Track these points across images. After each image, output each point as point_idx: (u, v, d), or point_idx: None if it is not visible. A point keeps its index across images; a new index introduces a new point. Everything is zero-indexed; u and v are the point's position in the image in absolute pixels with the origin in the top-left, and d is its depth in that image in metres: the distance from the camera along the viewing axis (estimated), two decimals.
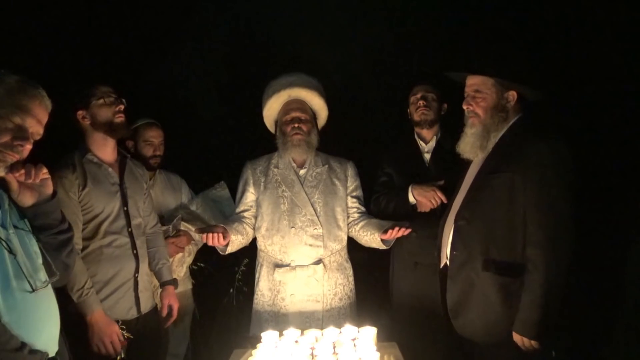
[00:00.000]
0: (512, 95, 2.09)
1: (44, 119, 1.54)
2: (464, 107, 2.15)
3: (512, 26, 3.44)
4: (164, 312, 2.49)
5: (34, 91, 1.51)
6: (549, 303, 1.91)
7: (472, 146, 2.13)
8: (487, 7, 3.51)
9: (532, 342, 1.94)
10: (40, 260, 1.53)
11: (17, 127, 1.47)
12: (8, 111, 1.44)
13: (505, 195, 2.01)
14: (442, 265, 2.25)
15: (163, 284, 2.53)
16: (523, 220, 1.99)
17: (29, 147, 1.50)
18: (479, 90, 2.10)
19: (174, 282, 2.58)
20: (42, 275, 1.51)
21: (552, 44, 3.35)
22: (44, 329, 1.48)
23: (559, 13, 3.36)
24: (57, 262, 1.57)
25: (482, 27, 3.49)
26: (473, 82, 2.12)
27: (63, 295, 2.11)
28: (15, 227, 1.48)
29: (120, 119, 2.28)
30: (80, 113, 2.26)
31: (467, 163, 2.26)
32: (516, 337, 1.98)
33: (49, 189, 1.58)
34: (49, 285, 1.53)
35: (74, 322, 2.14)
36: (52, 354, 1.49)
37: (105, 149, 2.33)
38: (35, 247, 1.52)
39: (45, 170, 1.56)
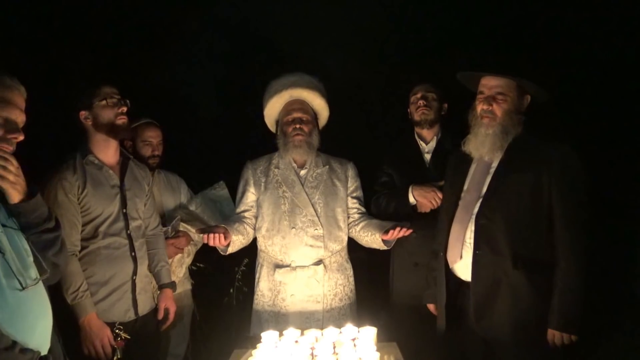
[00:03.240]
0: (527, 99, 2.16)
1: (23, 106, 1.55)
2: (483, 107, 2.15)
3: (526, 30, 3.45)
4: (160, 315, 2.49)
5: (10, 82, 1.51)
6: (583, 298, 1.98)
7: (491, 147, 2.14)
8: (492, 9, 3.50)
9: (572, 337, 1.98)
10: (31, 258, 1.51)
11: (5, 121, 1.48)
12: None
13: (530, 193, 2.06)
14: (451, 265, 2.23)
15: (161, 287, 2.53)
16: (548, 218, 2.05)
17: (21, 138, 1.51)
18: (502, 93, 2.12)
19: (172, 286, 2.57)
20: (33, 273, 1.50)
21: (559, 48, 3.36)
22: (36, 327, 1.46)
23: (573, 17, 3.36)
24: (45, 261, 1.56)
25: (498, 29, 3.49)
26: (496, 83, 2.13)
27: (60, 294, 2.11)
28: (3, 225, 1.47)
29: (122, 120, 2.26)
30: (82, 113, 2.24)
31: (464, 163, 2.26)
32: (554, 335, 2.00)
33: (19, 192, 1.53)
34: (41, 283, 1.52)
35: (72, 321, 2.14)
36: (44, 352, 1.47)
37: (106, 150, 2.32)
38: (25, 244, 1.51)
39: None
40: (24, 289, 1.42)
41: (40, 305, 1.51)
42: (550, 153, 2.06)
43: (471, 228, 2.14)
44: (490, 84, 2.14)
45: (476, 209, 2.14)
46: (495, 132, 2.12)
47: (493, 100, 2.12)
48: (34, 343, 1.43)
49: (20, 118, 1.52)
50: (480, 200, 2.15)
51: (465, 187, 2.24)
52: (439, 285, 2.30)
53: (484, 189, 2.16)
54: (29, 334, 1.42)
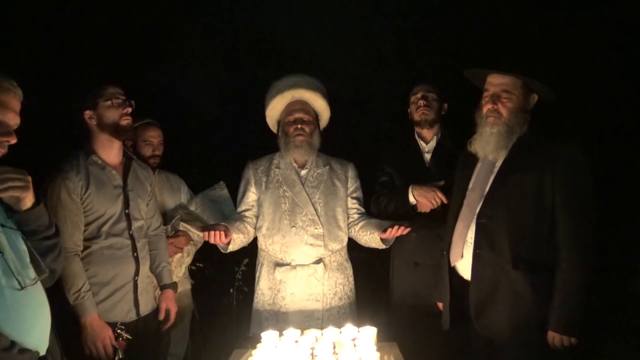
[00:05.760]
0: (534, 98, 2.13)
1: (19, 108, 1.54)
2: (488, 106, 2.14)
3: (533, 28, 3.44)
4: (161, 316, 2.49)
5: (8, 84, 1.50)
6: (586, 301, 1.96)
7: (495, 146, 2.13)
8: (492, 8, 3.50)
9: (572, 339, 1.96)
10: (28, 259, 1.51)
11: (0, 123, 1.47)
12: None
13: (532, 193, 2.04)
14: (453, 264, 2.24)
15: (162, 287, 2.52)
16: (550, 218, 2.02)
17: (13, 141, 1.50)
18: (507, 91, 2.10)
19: (174, 286, 2.57)
20: (31, 273, 1.50)
21: (563, 46, 3.35)
22: (34, 327, 1.46)
23: (575, 17, 3.35)
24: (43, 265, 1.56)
25: (503, 27, 3.49)
26: (502, 81, 2.11)
27: (60, 293, 2.11)
28: (2, 225, 1.47)
29: (126, 121, 2.26)
30: (87, 113, 2.23)
31: (471, 162, 2.26)
32: (554, 337, 1.98)
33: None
34: (39, 283, 1.52)
35: (73, 321, 2.14)
36: (43, 352, 1.47)
37: (110, 151, 2.31)
38: (23, 245, 1.51)
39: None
40: (22, 288, 1.42)
41: (39, 305, 1.51)
42: (554, 151, 2.03)
43: (473, 227, 2.14)
44: (495, 81, 2.13)
45: (478, 208, 2.14)
46: (500, 131, 2.11)
47: (498, 99, 2.11)
48: (32, 343, 1.43)
49: (14, 121, 1.51)
50: (483, 199, 2.15)
51: (470, 187, 2.24)
52: (443, 283, 2.31)
53: (487, 189, 2.15)
54: (27, 334, 1.42)
